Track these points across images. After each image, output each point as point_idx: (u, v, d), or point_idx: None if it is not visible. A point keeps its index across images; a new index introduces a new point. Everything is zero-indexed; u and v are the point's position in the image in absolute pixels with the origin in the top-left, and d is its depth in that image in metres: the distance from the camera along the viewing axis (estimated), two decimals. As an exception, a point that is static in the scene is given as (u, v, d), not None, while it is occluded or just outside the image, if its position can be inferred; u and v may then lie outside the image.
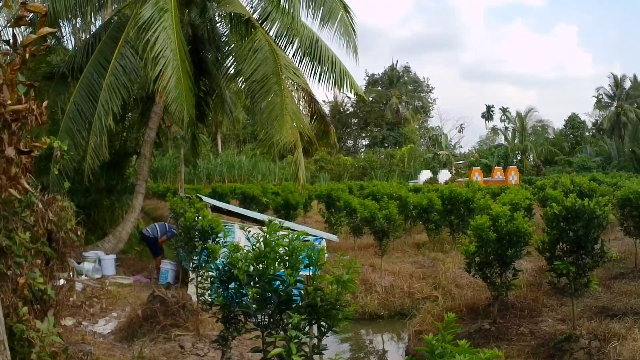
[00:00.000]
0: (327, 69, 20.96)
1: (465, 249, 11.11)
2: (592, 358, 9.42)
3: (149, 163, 20.25)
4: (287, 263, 5.94)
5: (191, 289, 11.96)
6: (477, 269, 11.16)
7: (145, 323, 10.86)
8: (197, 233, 10.29)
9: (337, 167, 77.14)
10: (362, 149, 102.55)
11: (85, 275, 15.52)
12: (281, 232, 6.23)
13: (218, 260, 8.06)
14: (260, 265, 5.96)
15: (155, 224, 17.57)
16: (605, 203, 9.90)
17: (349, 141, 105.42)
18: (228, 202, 25.75)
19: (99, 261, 16.40)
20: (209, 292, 7.89)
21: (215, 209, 16.68)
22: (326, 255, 15.69)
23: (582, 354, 9.53)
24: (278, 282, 5.86)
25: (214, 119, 31.95)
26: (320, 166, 75.48)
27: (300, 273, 5.99)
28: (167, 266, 15.68)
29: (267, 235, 6.01)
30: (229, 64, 22.42)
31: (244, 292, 6.15)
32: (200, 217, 10.51)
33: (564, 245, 9.84)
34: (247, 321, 6.49)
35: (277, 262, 5.93)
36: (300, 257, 5.96)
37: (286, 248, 5.93)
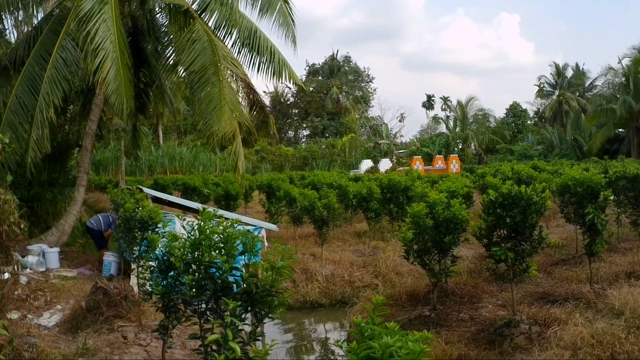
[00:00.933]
0: (266, 60, 21.49)
1: (403, 236, 11.44)
2: (532, 343, 9.82)
3: (90, 155, 20.54)
4: (222, 250, 6.14)
5: (133, 280, 12.22)
6: (416, 256, 11.48)
7: (89, 315, 11.10)
8: (136, 224, 10.44)
9: (279, 158, 78.63)
10: (303, 139, 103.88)
11: (30, 269, 15.74)
12: (217, 220, 6.36)
13: (157, 250, 8.18)
14: (196, 252, 6.15)
15: (99, 215, 17.88)
16: (543, 190, 10.30)
17: (289, 131, 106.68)
18: (170, 194, 26.13)
19: (43, 254, 16.66)
20: (150, 282, 8.02)
21: (156, 200, 16.91)
22: (267, 245, 16.03)
23: (522, 339, 9.95)
24: (214, 270, 6.06)
25: (154, 110, 32.25)
26: (261, 157, 77.09)
27: (241, 262, 6.14)
28: (109, 258, 15.90)
29: (202, 223, 6.18)
30: (169, 55, 22.87)
31: (182, 280, 6.26)
32: (140, 208, 10.59)
33: (502, 231, 10.18)
34: (186, 309, 6.64)
35: (212, 250, 6.13)
36: (236, 244, 6.14)
37: (221, 235, 6.14)
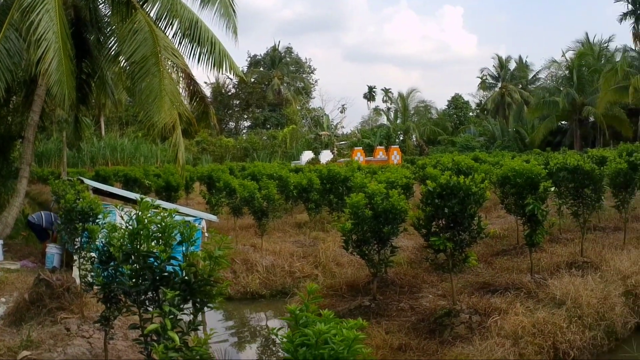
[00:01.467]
0: (207, 51, 21.77)
1: (342, 226, 11.61)
2: (473, 332, 10.06)
3: (33, 147, 20.55)
4: (160, 240, 6.20)
5: (75, 272, 12.32)
6: (355, 246, 11.65)
7: (32, 307, 11.18)
8: (77, 215, 10.49)
9: (219, 149, 79.95)
10: (244, 131, 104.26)
11: (-27, 262, 15.42)
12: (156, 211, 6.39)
13: (97, 241, 8.20)
14: (135, 243, 6.20)
15: (42, 212, 17.93)
16: (482, 180, 10.51)
17: (230, 123, 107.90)
18: (111, 185, 26.35)
19: (-14, 247, 16.37)
20: (91, 273, 8.04)
21: (97, 191, 16.85)
22: (207, 235, 16.08)
23: (462, 328, 10.19)
24: (153, 259, 6.13)
25: (96, 101, 32.20)
26: (202, 148, 78.22)
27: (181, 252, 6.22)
28: (52, 250, 15.90)
29: (140, 213, 6.23)
30: (111, 46, 23.09)
31: (121, 270, 6.28)
32: (80, 199, 10.57)
33: (440, 221, 10.39)
34: (127, 300, 6.64)
35: (150, 240, 6.19)
36: (173, 234, 6.21)
37: (158, 225, 6.19)
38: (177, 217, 6.45)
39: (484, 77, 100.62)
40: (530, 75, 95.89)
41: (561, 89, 69.83)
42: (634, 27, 59.58)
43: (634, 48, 62.23)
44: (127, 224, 6.30)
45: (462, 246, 10.45)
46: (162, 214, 6.25)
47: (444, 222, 10.37)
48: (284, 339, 4.12)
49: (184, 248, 6.20)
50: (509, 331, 9.88)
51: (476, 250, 15.26)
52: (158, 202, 8.22)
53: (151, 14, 21.00)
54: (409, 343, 10.03)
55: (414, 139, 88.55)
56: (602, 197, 15.50)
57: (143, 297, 6.27)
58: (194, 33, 21.37)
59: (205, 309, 6.22)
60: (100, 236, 8.31)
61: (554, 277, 12.50)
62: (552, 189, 15.49)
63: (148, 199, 6.64)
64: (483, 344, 9.49)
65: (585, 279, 12.23)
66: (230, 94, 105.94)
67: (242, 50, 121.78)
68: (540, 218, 12.19)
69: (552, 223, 13.28)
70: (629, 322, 11.47)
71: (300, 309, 4.31)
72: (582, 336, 10.30)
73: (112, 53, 22.48)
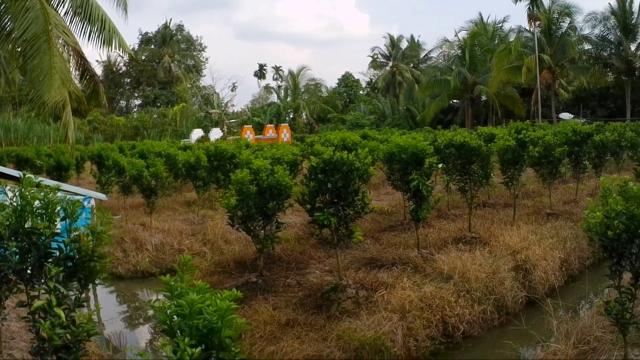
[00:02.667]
0: (97, 28, 21.54)
1: (227, 202, 11.86)
2: (360, 307, 10.46)
3: None
4: (44, 216, 6.31)
5: None
6: (240, 222, 11.91)
7: None
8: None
9: (111, 128, 79.61)
10: (135, 109, 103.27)
11: None
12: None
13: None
14: (20, 219, 6.31)
15: None
16: (366, 156, 10.96)
17: (122, 101, 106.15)
18: (4, 166, 25.56)
19: None
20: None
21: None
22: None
23: (349, 303, 10.57)
24: (38, 236, 6.28)
25: None
26: (94, 127, 77.91)
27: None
28: None
29: (23, 190, 6.38)
30: (3, 24, 22.12)
31: (7, 248, 6.27)
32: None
33: (324, 197, 10.73)
34: (17, 280, 6.63)
35: (34, 216, 6.33)
36: (57, 210, 6.24)
37: (42, 202, 6.34)
38: (68, 196, 6.50)
39: (376, 56, 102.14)
40: (422, 55, 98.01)
41: (453, 68, 71.25)
42: (529, 8, 61.18)
43: (528, 29, 64.05)
44: (11, 200, 6.31)
45: (347, 221, 10.81)
46: (45, 190, 6.28)
47: (327, 198, 10.70)
48: (159, 310, 4.31)
49: (67, 224, 6.27)
50: (396, 305, 10.28)
51: (364, 226, 15.84)
52: (46, 181, 8.20)
53: (43, -9, 20.55)
54: (296, 318, 10.31)
55: (304, 117, 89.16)
56: (492, 174, 15.97)
57: (30, 274, 6.37)
58: (85, 11, 21.19)
59: (99, 288, 6.37)
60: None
61: (442, 252, 13.09)
62: (440, 165, 15.99)
63: (31, 176, 6.65)
64: (370, 319, 9.88)
65: (474, 254, 12.87)
66: (121, 72, 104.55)
67: (134, 27, 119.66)
68: (425, 193, 12.64)
69: (437, 199, 13.75)
70: (519, 296, 12.08)
71: (174, 280, 4.46)
72: (471, 310, 10.81)
73: (5, 31, 21.97)
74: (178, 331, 4.19)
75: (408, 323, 9.90)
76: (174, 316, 4.23)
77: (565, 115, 63.45)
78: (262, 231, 12.15)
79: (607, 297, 8.22)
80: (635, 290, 7.36)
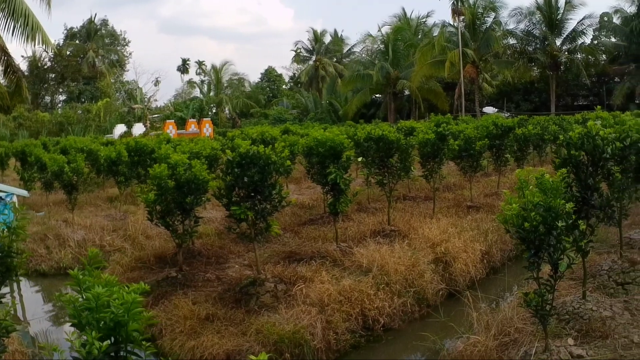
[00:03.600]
0: (20, 24, 21.18)
1: (145, 197, 11.89)
2: (278, 300, 10.58)
3: None
4: None
5: None
6: (159, 217, 11.97)
7: None
8: None
9: (36, 124, 78.91)
10: (60, 105, 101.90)
11: None
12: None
13: None
14: None
15: None
16: (282, 150, 11.07)
17: (46, 97, 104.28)
18: None
19: None
20: None
21: None
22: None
23: (268, 297, 10.69)
24: None
25: None
26: (19, 123, 76.77)
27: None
28: None
29: None
30: None
31: None
32: None
33: (241, 191, 10.79)
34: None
35: None
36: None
37: None
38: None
39: (299, 51, 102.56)
40: (346, 49, 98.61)
41: (376, 62, 71.79)
42: (453, 3, 61.94)
43: (452, 24, 64.79)
44: None
45: (264, 215, 10.90)
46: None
47: (244, 192, 10.77)
48: (66, 303, 4.26)
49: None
50: (315, 299, 10.40)
51: (284, 220, 15.96)
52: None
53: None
54: (215, 313, 10.38)
55: (227, 112, 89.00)
56: (412, 168, 16.12)
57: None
58: (9, 6, 21.30)
59: (19, 283, 6.32)
60: None
61: (360, 246, 13.24)
62: (360, 159, 16.11)
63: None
64: (289, 312, 9.98)
65: (393, 247, 13.04)
66: (46, 67, 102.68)
67: (60, 22, 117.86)
68: (343, 187, 12.88)
69: (355, 192, 13.91)
70: (439, 289, 12.27)
71: (82, 273, 4.47)
72: (391, 303, 10.94)
73: None
74: (87, 325, 4.16)
75: (327, 316, 10.00)
76: (84, 310, 4.18)
77: (489, 109, 64.66)
78: (181, 226, 12.19)
79: (528, 288, 8.31)
80: (554, 282, 7.52)
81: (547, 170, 7.79)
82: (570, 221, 7.41)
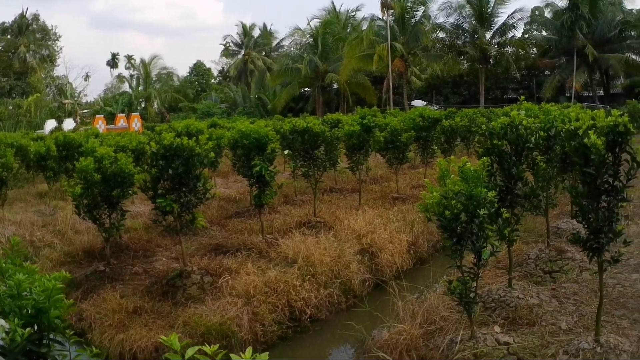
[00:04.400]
0: None
1: (72, 191, 11.88)
2: (205, 292, 10.63)
3: None
4: None
5: None
6: (86, 211, 11.96)
7: None
8: None
9: None
10: None
11: None
12: None
13: None
14: None
15: None
16: (206, 142, 11.15)
17: None
18: None
19: None
20: None
21: None
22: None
23: (194, 289, 10.73)
24: None
25: None
26: None
27: None
28: None
29: None
30: None
31: None
32: None
33: (166, 183, 10.79)
34: None
35: None
36: None
37: None
38: None
39: (228, 45, 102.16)
40: (275, 43, 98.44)
41: (305, 56, 71.81)
42: (384, -4, 62.36)
43: (381, 17, 65.17)
44: None
45: (189, 207, 10.96)
46: None
47: (169, 184, 10.76)
48: None
49: None
50: (241, 291, 10.46)
51: (210, 214, 15.99)
52: None
53: None
54: (143, 306, 10.41)
55: (156, 107, 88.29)
56: (339, 160, 16.20)
57: None
58: None
59: None
60: None
61: (286, 237, 13.33)
62: (286, 152, 16.15)
63: None
64: (216, 304, 10.04)
65: (318, 238, 13.11)
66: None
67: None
68: (268, 179, 12.99)
69: (281, 184, 14.03)
70: (366, 279, 12.39)
71: (5, 262, 4.51)
72: (317, 294, 11.00)
73: None
74: (10, 312, 4.09)
75: (253, 308, 10.07)
76: (6, 298, 4.12)
77: (417, 103, 65.17)
78: (108, 219, 12.21)
79: (452, 277, 8.40)
80: (477, 270, 7.59)
81: (465, 159, 7.85)
82: (493, 209, 7.52)
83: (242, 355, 2.75)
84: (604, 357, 6.93)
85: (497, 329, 8.32)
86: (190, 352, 3.08)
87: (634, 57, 63.00)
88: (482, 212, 7.18)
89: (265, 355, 2.86)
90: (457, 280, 7.55)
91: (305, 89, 78.07)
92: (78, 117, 71.52)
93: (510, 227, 8.79)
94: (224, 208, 18.01)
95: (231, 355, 2.88)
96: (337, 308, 11.33)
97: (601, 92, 67.96)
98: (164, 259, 12.94)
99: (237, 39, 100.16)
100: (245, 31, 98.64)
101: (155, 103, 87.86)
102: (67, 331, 4.32)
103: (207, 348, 2.94)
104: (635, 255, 11.49)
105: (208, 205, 15.67)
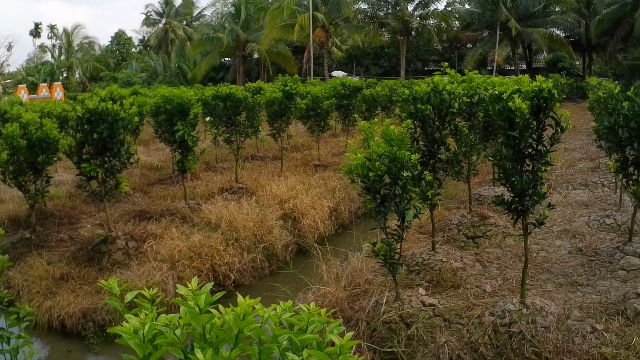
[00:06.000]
0: None
1: None
2: (130, 257, 10.64)
3: None
4: None
5: None
6: (12, 177, 11.78)
7: None
8: None
9: None
10: None
11: None
12: None
13: None
14: None
15: None
16: (130, 106, 11.22)
17: None
18: None
19: None
20: None
21: None
22: None
23: (120, 255, 10.73)
24: None
25: None
26: None
27: None
28: None
29: None
30: None
31: None
32: None
33: (90, 148, 10.75)
34: None
35: None
36: None
37: None
38: None
39: (149, 13, 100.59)
40: (196, 12, 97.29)
41: (226, 25, 71.15)
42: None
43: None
44: None
45: (113, 172, 10.91)
46: None
47: (94, 149, 10.70)
48: None
49: None
50: (165, 255, 10.49)
51: (132, 181, 15.94)
52: None
53: None
54: (70, 272, 10.37)
55: (78, 76, 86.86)
56: (260, 127, 16.17)
57: None
58: None
59: None
60: None
61: (209, 203, 13.34)
62: (207, 118, 16.05)
63: None
64: (141, 269, 10.07)
65: (241, 203, 13.11)
66: None
67: None
68: (191, 144, 12.97)
69: (203, 149, 13.87)
70: (289, 244, 12.45)
71: None
72: (241, 259, 11.07)
73: None
74: None
75: (178, 272, 10.13)
76: None
77: (337, 73, 65.19)
78: (33, 186, 12.08)
79: (377, 240, 8.40)
80: (402, 231, 7.60)
81: (389, 122, 7.85)
82: (417, 172, 7.53)
83: (189, 285, 2.79)
84: (531, 318, 7.02)
85: (421, 291, 8.39)
86: (129, 296, 3.01)
87: (557, 32, 63.61)
88: (405, 174, 7.20)
89: (210, 285, 2.92)
90: (382, 241, 7.54)
91: (226, 59, 77.48)
92: (0, 87, 69.97)
93: (433, 190, 8.85)
94: (145, 176, 17.86)
95: (178, 285, 2.88)
96: (261, 273, 11.43)
97: (523, 66, 68.53)
98: (88, 225, 12.77)
99: (159, 8, 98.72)
100: (167, 0, 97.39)
101: (77, 73, 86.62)
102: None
103: (145, 292, 2.88)
104: (558, 223, 11.78)
105: (130, 173, 15.50)
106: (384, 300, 7.96)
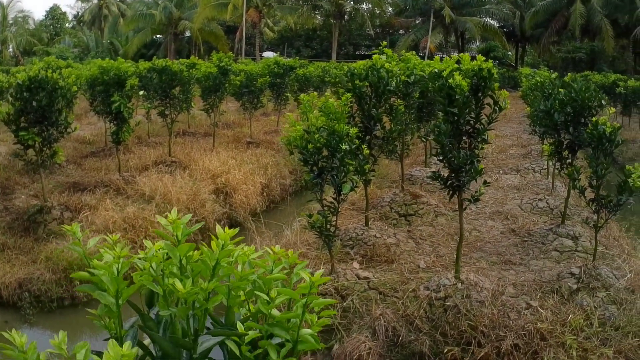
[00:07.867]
0: None
1: None
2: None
3: None
4: None
5: None
6: None
7: None
8: None
9: None
10: None
11: None
12: None
13: None
14: None
15: None
16: (69, 75, 11.29)
17: None
18: None
19: None
20: None
21: None
22: None
23: (55, 225, 10.64)
24: None
25: None
26: None
27: None
28: None
29: None
30: None
31: None
32: None
33: (29, 116, 10.64)
34: None
35: None
36: None
37: None
38: None
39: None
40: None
41: (159, 2, 70.35)
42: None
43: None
44: None
45: (51, 141, 10.87)
46: None
47: (32, 117, 10.62)
48: None
49: None
50: (100, 226, 10.47)
51: (66, 154, 15.83)
52: None
53: None
54: (5, 242, 10.33)
55: (11, 50, 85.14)
56: (192, 103, 16.10)
57: None
58: None
59: None
60: None
61: (143, 175, 13.37)
62: (141, 92, 15.89)
63: None
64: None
65: (174, 177, 13.08)
66: None
67: None
68: (127, 115, 12.89)
69: (137, 122, 13.82)
70: (221, 218, 12.59)
71: None
72: (173, 231, 10.73)
73: None
74: None
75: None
76: None
77: (268, 54, 65.05)
78: None
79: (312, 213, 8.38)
80: (338, 203, 7.60)
81: (330, 95, 7.85)
82: (354, 146, 7.51)
83: (169, 215, 2.83)
84: (465, 293, 7.07)
85: (356, 265, 8.43)
86: (91, 242, 2.94)
87: (492, 22, 64.46)
88: (343, 147, 7.22)
89: (189, 215, 2.96)
90: (318, 213, 7.55)
91: (158, 36, 76.71)
92: None
93: (369, 165, 8.85)
94: (78, 149, 17.61)
95: (157, 216, 2.97)
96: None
97: (456, 54, 68.82)
98: (23, 196, 12.59)
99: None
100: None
101: (10, 47, 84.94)
102: None
103: (108, 237, 2.79)
104: (490, 205, 12.04)
105: (63, 146, 15.29)
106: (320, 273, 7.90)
